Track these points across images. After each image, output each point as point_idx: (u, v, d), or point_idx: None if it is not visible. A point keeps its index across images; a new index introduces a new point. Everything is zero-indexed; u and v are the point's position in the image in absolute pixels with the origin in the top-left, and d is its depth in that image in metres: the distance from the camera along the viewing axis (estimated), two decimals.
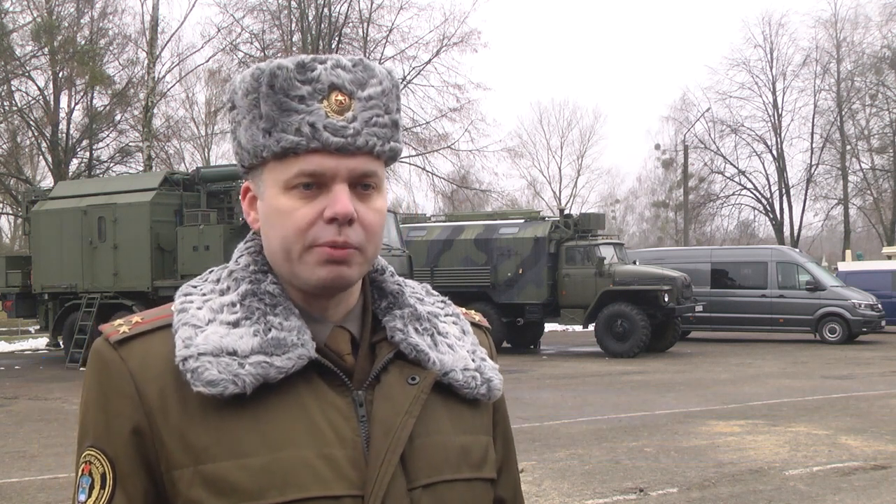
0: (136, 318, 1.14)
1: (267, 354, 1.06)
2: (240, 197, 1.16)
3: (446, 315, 1.24)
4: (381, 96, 1.10)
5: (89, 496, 1.08)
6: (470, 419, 1.18)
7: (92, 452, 1.09)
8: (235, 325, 1.09)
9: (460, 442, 1.15)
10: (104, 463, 1.08)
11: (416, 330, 1.16)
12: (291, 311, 1.11)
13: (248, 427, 1.05)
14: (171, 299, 1.18)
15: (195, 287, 1.16)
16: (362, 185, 1.09)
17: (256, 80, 1.08)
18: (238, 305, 1.11)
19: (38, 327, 21.84)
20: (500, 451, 1.25)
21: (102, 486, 1.07)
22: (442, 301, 1.26)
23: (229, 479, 1.03)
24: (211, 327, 1.08)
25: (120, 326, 1.12)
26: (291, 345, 1.07)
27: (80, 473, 1.10)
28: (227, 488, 1.03)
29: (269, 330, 1.08)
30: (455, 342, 1.20)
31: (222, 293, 1.13)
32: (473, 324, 1.29)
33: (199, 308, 1.11)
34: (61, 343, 19.21)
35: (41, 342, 23.12)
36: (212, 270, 1.19)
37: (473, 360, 1.20)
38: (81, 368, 16.91)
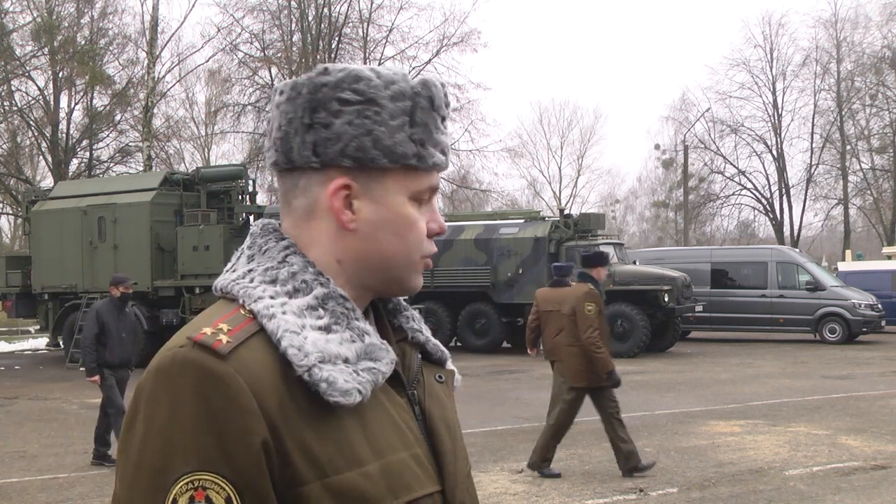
0: (222, 325, 1.03)
1: (372, 360, 1.06)
2: (329, 193, 1.09)
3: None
4: None
5: None
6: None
7: (204, 476, 0.96)
8: (327, 330, 1.05)
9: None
10: (226, 486, 0.96)
11: (426, 331, 1.23)
12: (362, 316, 1.11)
13: (357, 434, 1.04)
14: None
15: (253, 286, 1.07)
16: None
17: (412, 88, 1.10)
18: (321, 309, 1.06)
19: (38, 327, 21.83)
20: None
21: None
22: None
23: (357, 489, 1.01)
24: (309, 334, 1.03)
25: (216, 336, 1.00)
26: (384, 350, 1.08)
27: (187, 501, 0.96)
28: (356, 499, 1.01)
29: (363, 335, 1.07)
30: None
31: (290, 295, 1.06)
32: None
33: (284, 313, 1.04)
34: (61, 343, 19.21)
35: (41, 342, 23.12)
36: (251, 269, 1.10)
37: None
38: (81, 368, 16.88)
